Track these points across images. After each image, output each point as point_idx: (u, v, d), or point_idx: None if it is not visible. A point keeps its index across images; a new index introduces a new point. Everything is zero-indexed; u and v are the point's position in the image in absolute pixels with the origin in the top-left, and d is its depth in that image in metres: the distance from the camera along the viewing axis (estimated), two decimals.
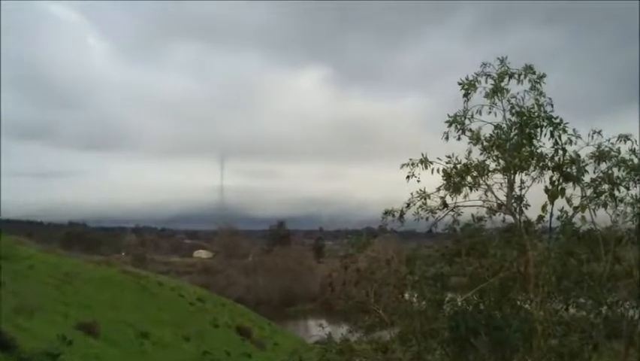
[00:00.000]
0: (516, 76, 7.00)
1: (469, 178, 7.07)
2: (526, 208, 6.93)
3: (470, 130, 7.13)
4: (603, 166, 6.63)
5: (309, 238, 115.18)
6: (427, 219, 7.18)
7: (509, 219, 7.07)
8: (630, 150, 6.58)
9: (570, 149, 6.67)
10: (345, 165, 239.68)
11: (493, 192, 7.07)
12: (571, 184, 6.65)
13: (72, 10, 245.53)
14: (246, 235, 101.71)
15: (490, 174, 7.06)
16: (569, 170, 6.66)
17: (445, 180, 7.09)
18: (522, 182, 6.91)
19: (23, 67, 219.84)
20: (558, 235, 6.76)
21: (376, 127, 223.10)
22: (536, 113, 6.79)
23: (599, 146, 6.64)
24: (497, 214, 7.18)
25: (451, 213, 7.26)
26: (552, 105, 6.87)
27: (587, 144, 6.67)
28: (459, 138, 7.16)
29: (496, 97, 7.02)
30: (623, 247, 6.57)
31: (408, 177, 7.13)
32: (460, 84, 7.11)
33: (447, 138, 7.14)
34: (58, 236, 76.31)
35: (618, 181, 6.55)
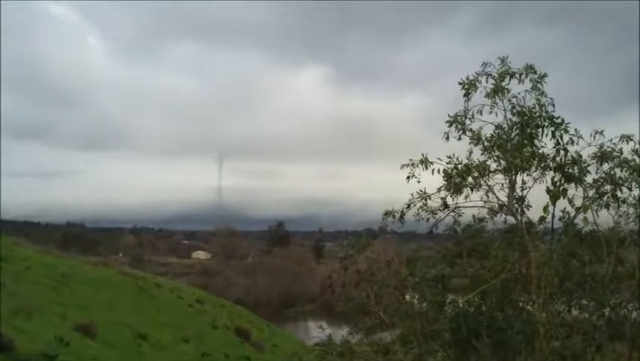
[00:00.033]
0: (517, 75, 7.00)
1: (470, 179, 7.07)
2: (528, 209, 6.93)
3: (471, 130, 7.13)
4: (605, 167, 6.64)
5: (309, 238, 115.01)
6: (427, 220, 7.18)
7: (511, 220, 7.08)
8: (633, 151, 6.59)
9: (572, 149, 6.70)
10: (345, 165, 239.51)
11: (494, 193, 7.08)
12: (573, 185, 6.66)
13: (71, 10, 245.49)
14: (244, 236, 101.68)
15: (491, 174, 7.06)
16: (570, 170, 6.67)
17: (446, 180, 7.08)
18: (523, 183, 6.92)
19: (22, 66, 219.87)
20: (560, 236, 6.76)
21: (376, 127, 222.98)
22: (537, 113, 6.80)
23: (601, 146, 6.65)
24: (499, 215, 7.18)
25: (452, 214, 7.26)
26: (553, 105, 6.89)
27: (589, 145, 6.68)
28: (460, 138, 7.17)
29: (497, 97, 7.03)
30: (625, 248, 6.57)
31: (408, 177, 7.12)
32: (460, 84, 7.11)
33: (447, 138, 7.15)
34: (56, 237, 76.22)
35: (620, 182, 6.55)
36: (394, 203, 7.35)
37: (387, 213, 7.27)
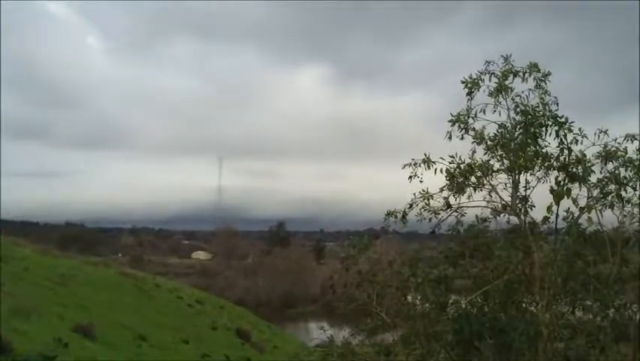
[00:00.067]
0: (520, 74, 6.98)
1: (472, 178, 7.05)
2: (532, 209, 6.91)
3: (474, 129, 7.11)
4: (610, 166, 6.61)
5: (310, 239, 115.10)
6: (430, 220, 7.16)
7: (514, 220, 7.05)
8: (637, 150, 6.56)
9: (576, 148, 6.66)
10: (346, 164, 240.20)
11: (497, 193, 7.05)
12: (577, 185, 6.63)
13: (71, 10, 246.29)
14: (245, 236, 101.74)
15: (494, 174, 7.03)
16: (574, 170, 6.64)
17: (449, 180, 7.06)
18: (527, 182, 6.90)
19: (21, 66, 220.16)
20: (564, 236, 6.73)
21: (378, 126, 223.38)
22: (541, 112, 6.78)
23: (606, 145, 6.62)
24: (502, 215, 7.15)
25: (455, 214, 7.23)
26: (557, 104, 6.86)
27: (593, 144, 6.65)
28: (462, 138, 7.15)
29: (500, 96, 7.01)
30: (630, 248, 6.54)
31: (410, 177, 7.10)
32: (463, 83, 7.09)
33: (450, 138, 7.12)
34: (55, 237, 76.18)
35: (625, 181, 6.53)
36: (396, 203, 7.34)
37: (389, 214, 7.25)
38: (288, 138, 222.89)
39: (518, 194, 6.90)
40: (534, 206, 6.91)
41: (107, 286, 25.42)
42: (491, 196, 7.11)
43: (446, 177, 7.06)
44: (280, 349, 30.18)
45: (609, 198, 6.55)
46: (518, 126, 6.83)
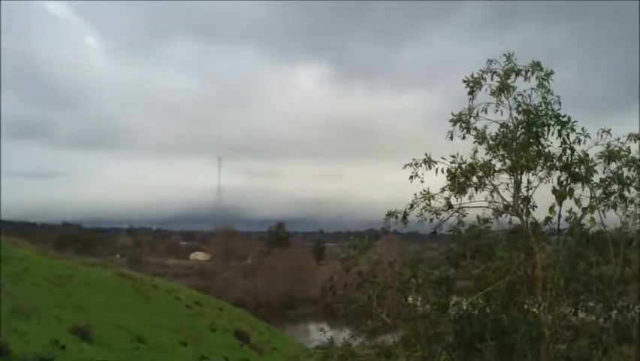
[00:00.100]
0: (523, 73, 6.97)
1: (474, 178, 7.03)
2: (534, 209, 6.89)
3: (475, 129, 7.10)
4: (613, 166, 6.59)
5: (309, 239, 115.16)
6: (431, 220, 7.14)
7: (516, 220, 7.04)
8: None
9: (578, 148, 6.65)
10: (346, 164, 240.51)
11: (499, 193, 7.04)
12: (579, 185, 6.62)
13: (70, 10, 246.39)
14: (244, 237, 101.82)
15: (496, 174, 7.02)
16: (577, 170, 6.63)
17: (450, 180, 7.05)
18: (529, 182, 6.88)
19: (19, 65, 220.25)
20: (566, 236, 6.73)
21: (378, 126, 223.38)
22: (543, 112, 6.76)
23: (609, 145, 6.60)
24: (503, 216, 7.14)
25: (456, 214, 7.22)
26: (560, 103, 6.85)
27: (596, 143, 6.63)
28: (464, 137, 7.13)
29: (502, 95, 7.00)
30: (633, 249, 6.54)
31: (411, 177, 7.09)
32: (465, 82, 7.08)
33: (451, 137, 7.10)
34: (53, 237, 76.13)
35: (628, 181, 6.52)
36: (397, 203, 7.33)
37: (389, 214, 7.24)
38: (287, 137, 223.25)
39: (520, 194, 6.88)
40: (536, 206, 6.89)
41: (104, 287, 25.39)
42: (493, 196, 7.10)
43: (447, 177, 7.05)
44: (280, 350, 30.16)
45: (612, 198, 6.54)
46: (520, 126, 6.82)
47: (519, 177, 6.87)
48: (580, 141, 6.62)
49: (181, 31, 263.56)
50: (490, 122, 7.04)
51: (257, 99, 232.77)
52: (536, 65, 6.94)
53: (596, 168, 6.60)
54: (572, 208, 6.66)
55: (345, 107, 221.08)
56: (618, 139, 6.58)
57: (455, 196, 7.10)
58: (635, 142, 6.55)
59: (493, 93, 7.01)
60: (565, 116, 6.67)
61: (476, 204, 7.15)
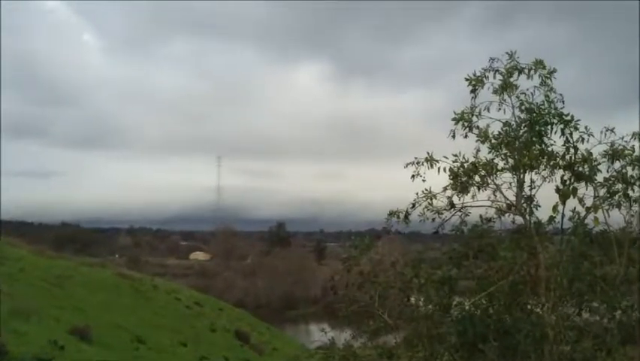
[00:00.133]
0: (526, 71, 6.97)
1: (476, 177, 7.04)
2: (537, 209, 6.89)
3: (478, 127, 7.10)
4: (617, 165, 6.59)
5: (310, 239, 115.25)
6: (433, 220, 7.14)
7: (519, 220, 7.04)
8: None
9: (582, 147, 6.65)
10: (347, 164, 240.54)
11: (502, 192, 7.04)
12: (583, 184, 6.62)
13: (67, 8, 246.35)
14: (244, 237, 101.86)
15: (498, 173, 7.02)
16: (580, 169, 6.64)
17: (452, 179, 7.05)
18: (532, 181, 6.88)
19: (16, 64, 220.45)
20: (570, 236, 6.73)
21: (378, 125, 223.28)
22: (546, 110, 6.76)
23: (612, 144, 6.60)
24: (506, 215, 7.14)
25: (459, 213, 7.22)
26: (563, 102, 6.85)
27: (600, 142, 6.63)
28: (466, 136, 7.13)
29: (504, 93, 7.00)
30: (637, 249, 6.54)
31: (413, 176, 7.09)
32: (467, 80, 7.08)
33: (454, 136, 7.10)
34: (51, 237, 76.14)
35: (632, 180, 6.52)
36: (398, 202, 7.33)
37: (391, 214, 7.24)
38: (287, 136, 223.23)
39: (523, 193, 6.88)
40: (539, 206, 6.90)
41: (103, 288, 25.41)
42: (496, 196, 7.10)
43: (450, 176, 7.05)
44: (280, 351, 30.19)
45: (616, 197, 6.55)
46: (523, 124, 6.82)
47: (522, 176, 6.87)
48: (583, 139, 6.63)
49: (180, 29, 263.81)
50: (493, 121, 7.05)
51: (257, 98, 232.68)
52: (539, 63, 6.93)
53: (599, 167, 6.61)
54: (575, 208, 6.67)
55: (345, 106, 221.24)
56: (622, 138, 6.59)
57: (457, 195, 7.10)
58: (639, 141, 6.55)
59: (495, 91, 7.01)
60: (568, 114, 6.67)
61: (479, 203, 7.16)
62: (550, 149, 6.75)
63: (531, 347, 6.23)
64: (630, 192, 6.53)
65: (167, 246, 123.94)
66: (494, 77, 7.04)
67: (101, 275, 28.99)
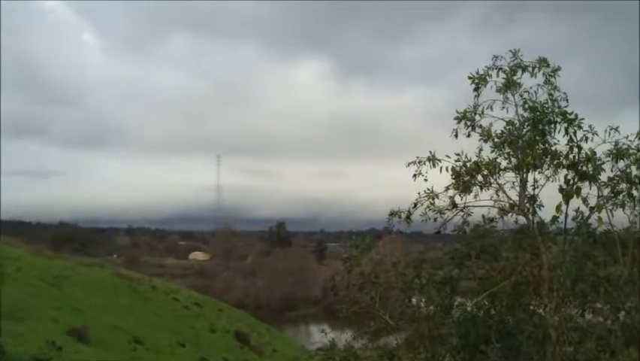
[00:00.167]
0: (529, 69, 6.97)
1: (479, 177, 7.04)
2: (540, 209, 6.90)
3: (481, 126, 7.10)
4: (621, 164, 6.59)
5: (310, 239, 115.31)
6: (435, 220, 7.14)
7: (522, 220, 7.04)
8: None
9: (586, 146, 6.65)
10: (348, 163, 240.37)
11: (504, 192, 7.04)
12: (587, 183, 6.62)
13: (66, 7, 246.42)
14: (244, 237, 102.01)
15: (501, 172, 7.02)
16: (584, 168, 6.63)
17: (454, 178, 7.04)
18: (535, 181, 6.89)
19: (15, 63, 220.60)
20: (573, 236, 6.73)
21: (379, 123, 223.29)
22: (550, 109, 6.76)
23: (617, 143, 6.60)
24: (509, 215, 7.14)
25: (461, 213, 7.22)
26: (567, 100, 6.85)
27: (604, 141, 6.63)
28: (469, 135, 7.13)
29: (508, 92, 7.00)
30: None
31: (415, 175, 7.10)
32: (470, 78, 7.08)
33: (456, 135, 7.10)
34: (48, 237, 76.22)
35: (637, 180, 6.52)
36: (399, 202, 7.33)
37: (392, 213, 7.24)
38: (287, 135, 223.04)
39: (526, 193, 6.89)
40: (543, 205, 6.90)
41: (101, 288, 25.46)
42: (498, 195, 7.10)
43: (452, 175, 7.05)
44: (280, 352, 30.23)
45: (620, 197, 6.54)
46: (526, 123, 6.83)
47: (525, 175, 6.87)
48: (587, 138, 6.62)
49: (179, 28, 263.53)
50: (496, 120, 7.05)
51: (256, 97, 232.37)
52: (543, 61, 6.93)
53: (603, 166, 6.60)
54: (579, 207, 6.67)
55: (345, 104, 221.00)
56: (627, 137, 6.59)
57: (460, 195, 7.09)
58: None
59: (498, 90, 7.01)
60: (572, 113, 6.67)
61: (481, 203, 7.16)
62: (553, 148, 6.75)
63: (534, 348, 6.23)
64: (634, 192, 6.53)
65: (165, 246, 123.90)
66: (497, 76, 7.04)
67: (99, 275, 29.04)
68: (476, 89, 7.06)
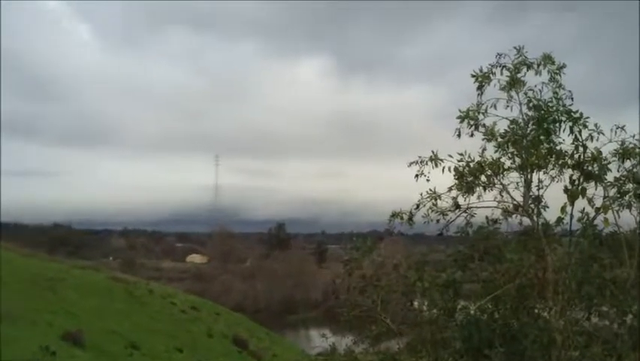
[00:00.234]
0: (534, 66, 6.98)
1: (482, 177, 7.05)
2: (545, 209, 6.91)
3: (484, 125, 7.11)
4: (627, 164, 6.60)
5: (310, 241, 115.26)
6: (437, 221, 7.17)
7: (526, 221, 7.06)
8: None
9: (591, 145, 6.66)
10: (348, 162, 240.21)
11: (508, 192, 7.06)
12: (592, 183, 6.63)
13: (66, 7, 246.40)
14: (242, 239, 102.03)
15: (505, 172, 7.04)
16: (590, 168, 6.64)
17: (457, 179, 7.06)
18: (540, 181, 6.90)
19: (9, 60, 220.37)
20: (579, 238, 6.74)
21: (381, 122, 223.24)
22: (555, 107, 6.77)
23: (623, 142, 6.60)
24: (513, 216, 7.16)
25: (464, 214, 7.24)
26: (572, 98, 6.86)
27: (610, 141, 6.64)
28: (472, 135, 7.15)
29: (512, 90, 7.01)
30: None
31: (417, 175, 7.11)
32: (473, 76, 7.10)
33: (459, 135, 7.12)
34: (42, 239, 76.27)
35: None
36: (401, 203, 7.34)
37: (394, 215, 7.26)
38: (287, 134, 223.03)
39: (531, 194, 6.90)
40: (547, 206, 6.91)
41: (96, 292, 25.48)
42: (502, 196, 7.11)
43: (455, 175, 7.06)
44: (279, 357, 30.23)
45: (627, 197, 6.55)
46: (531, 122, 6.84)
47: (529, 175, 6.88)
48: (593, 137, 6.63)
49: (177, 24, 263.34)
50: (500, 119, 7.06)
51: (255, 95, 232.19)
52: (548, 58, 6.95)
53: (609, 166, 6.61)
54: (584, 208, 6.66)
55: (346, 102, 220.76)
56: (633, 136, 6.59)
57: (463, 196, 7.12)
58: None
59: (502, 88, 7.03)
60: (577, 111, 6.68)
61: (485, 204, 7.17)
62: (558, 147, 6.76)
63: (538, 352, 6.25)
64: None
65: (162, 248, 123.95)
66: (501, 74, 7.06)
67: (94, 278, 29.09)
68: (479, 88, 7.08)
